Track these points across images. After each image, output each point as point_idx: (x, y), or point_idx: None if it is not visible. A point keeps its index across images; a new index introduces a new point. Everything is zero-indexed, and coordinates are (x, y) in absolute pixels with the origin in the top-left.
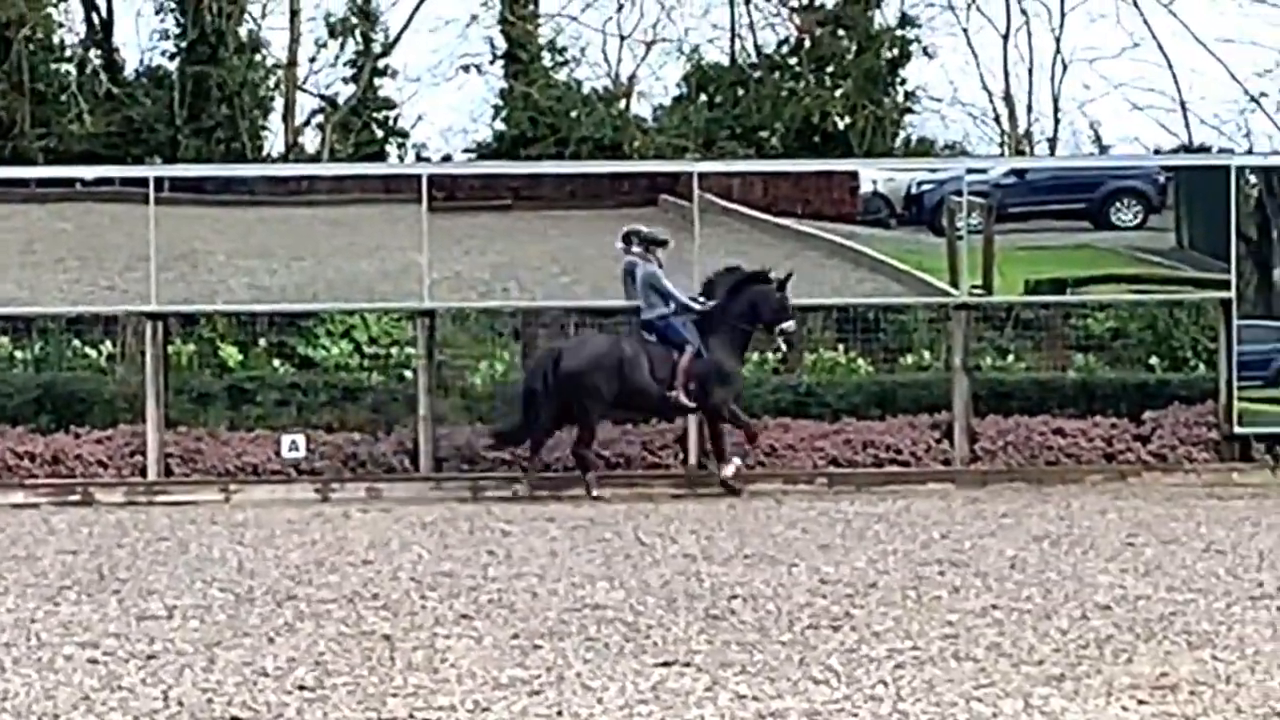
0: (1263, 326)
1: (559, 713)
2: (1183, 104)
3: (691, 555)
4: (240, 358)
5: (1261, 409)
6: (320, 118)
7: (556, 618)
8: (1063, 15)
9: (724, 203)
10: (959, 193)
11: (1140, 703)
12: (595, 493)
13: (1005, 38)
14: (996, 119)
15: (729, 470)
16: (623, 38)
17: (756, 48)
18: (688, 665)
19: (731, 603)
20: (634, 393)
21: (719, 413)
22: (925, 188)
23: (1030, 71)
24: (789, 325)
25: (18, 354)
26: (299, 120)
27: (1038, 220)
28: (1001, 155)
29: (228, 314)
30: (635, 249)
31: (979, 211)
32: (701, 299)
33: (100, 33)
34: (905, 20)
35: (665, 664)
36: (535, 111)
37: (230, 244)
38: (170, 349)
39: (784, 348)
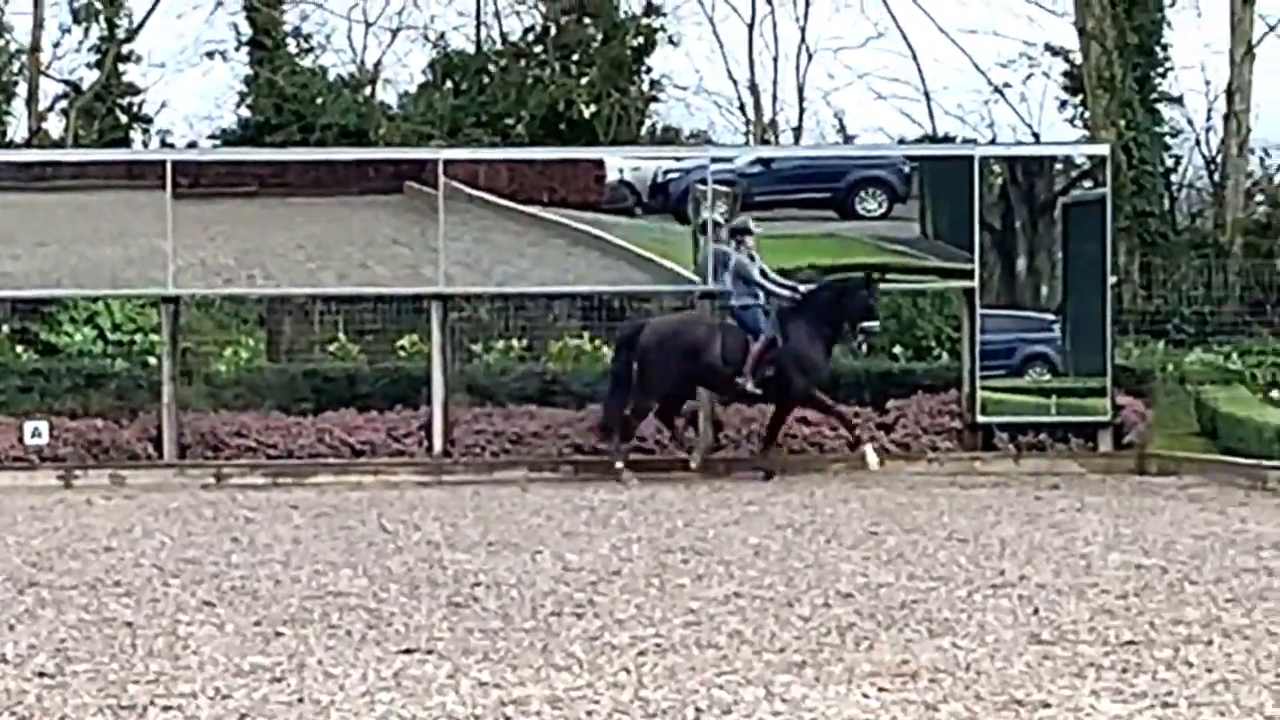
0: (1005, 316)
1: (300, 699)
2: (926, 94)
3: (435, 543)
4: None
5: (1004, 398)
6: (64, 103)
7: (299, 605)
8: (807, 4)
9: (469, 190)
10: (704, 181)
11: (881, 690)
12: (622, 471)
13: (751, 27)
14: (742, 108)
15: (872, 459)
16: (368, 25)
17: (502, 35)
18: (430, 652)
19: (474, 590)
20: (704, 373)
21: (796, 400)
22: (671, 176)
23: (775, 61)
24: (872, 325)
25: None
26: (43, 106)
27: (783, 209)
28: (747, 144)
29: None
30: (724, 238)
31: (724, 200)
32: (797, 290)
33: None
34: (651, 8)
35: (407, 651)
36: (280, 98)
37: None
38: None
39: (865, 346)
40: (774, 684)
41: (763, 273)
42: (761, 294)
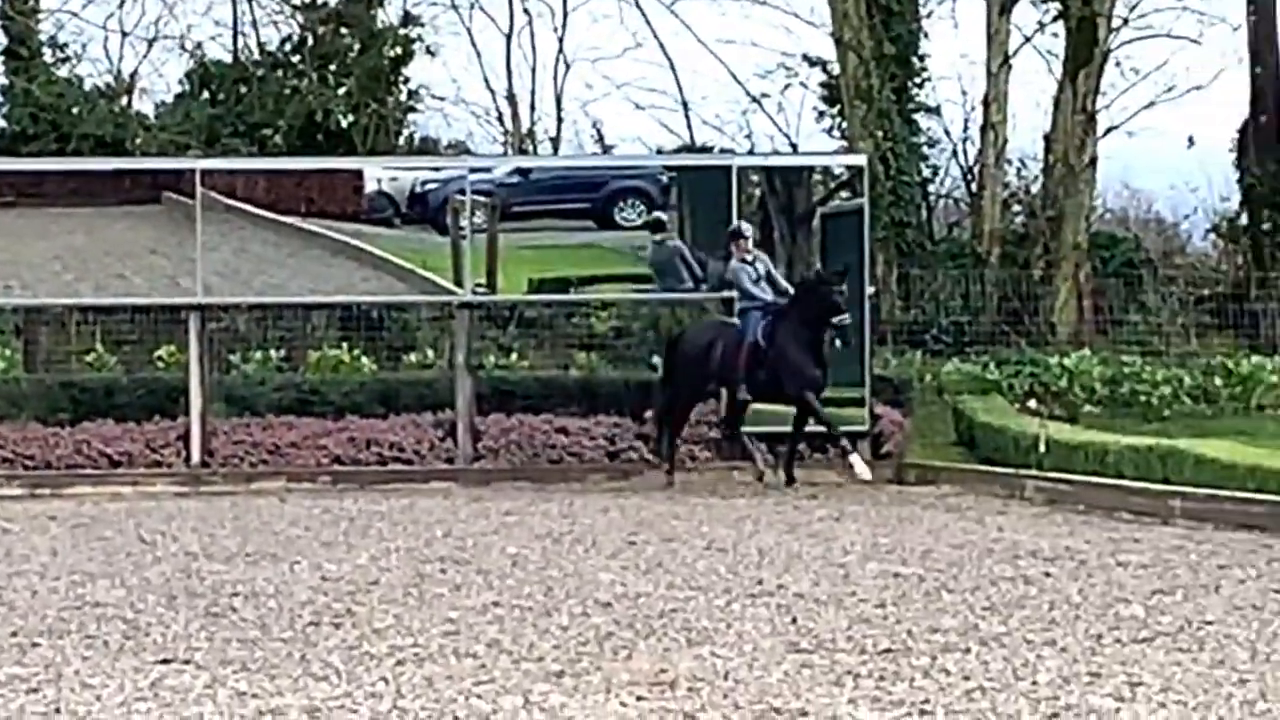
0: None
1: (57, 710)
2: (685, 104)
3: (193, 553)
4: None
5: (762, 408)
6: None
7: (56, 615)
8: (565, 15)
9: (227, 200)
10: (463, 192)
11: (639, 699)
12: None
13: (509, 36)
14: (500, 118)
15: (860, 469)
16: (124, 34)
17: (259, 45)
18: (187, 663)
19: (232, 600)
20: (711, 376)
21: (796, 402)
22: (430, 187)
23: (534, 70)
24: (841, 319)
25: None
26: None
27: (542, 219)
28: (505, 154)
29: None
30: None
31: (483, 211)
32: (788, 293)
33: None
34: (408, 19)
35: (165, 661)
36: (37, 108)
37: None
38: None
39: (840, 342)
40: (532, 693)
41: (768, 275)
42: (763, 298)
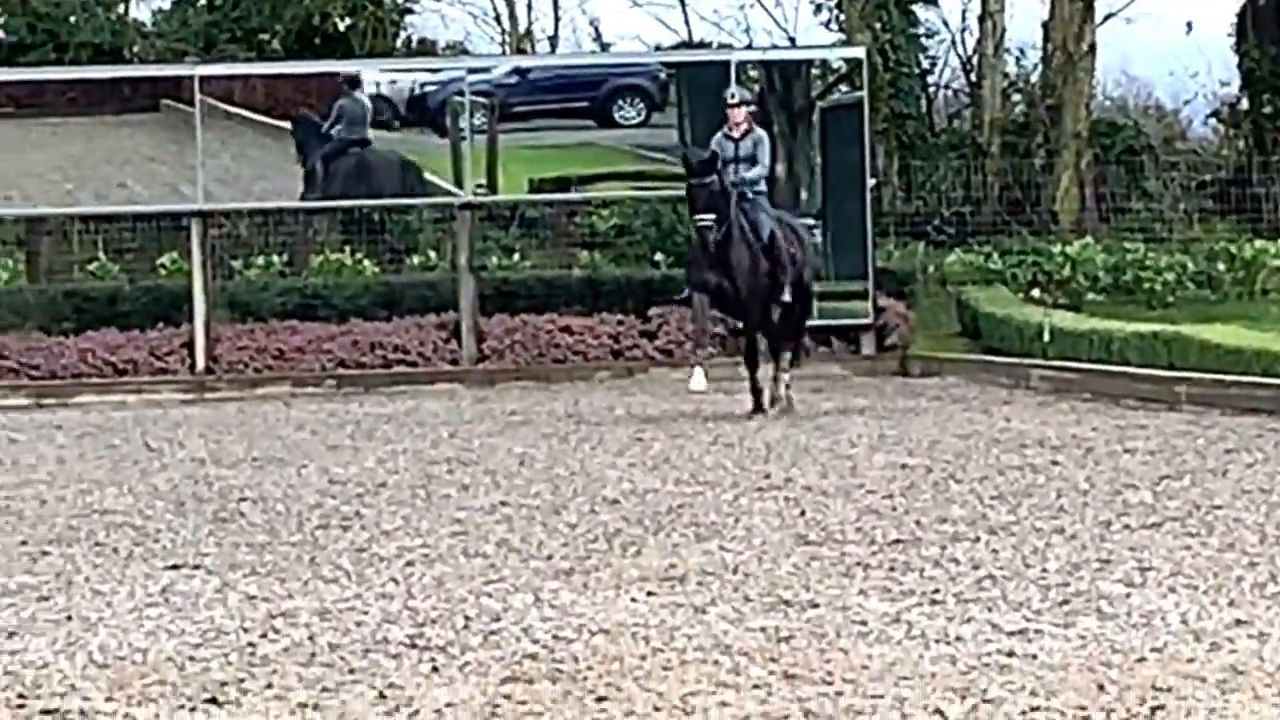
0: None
1: (69, 617)
2: (682, 0)
3: (200, 459)
4: None
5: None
6: None
7: (65, 523)
8: None
9: (226, 106)
10: (461, 93)
11: (649, 594)
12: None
13: None
14: (497, 18)
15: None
16: None
17: None
18: (197, 568)
19: (240, 505)
20: None
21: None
22: (428, 89)
23: None
24: (698, 219)
25: None
26: None
27: (542, 119)
28: (503, 55)
29: None
30: None
31: (482, 111)
32: None
33: None
34: None
35: (174, 567)
36: (33, 17)
37: None
38: None
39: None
40: (542, 591)
41: (752, 157)
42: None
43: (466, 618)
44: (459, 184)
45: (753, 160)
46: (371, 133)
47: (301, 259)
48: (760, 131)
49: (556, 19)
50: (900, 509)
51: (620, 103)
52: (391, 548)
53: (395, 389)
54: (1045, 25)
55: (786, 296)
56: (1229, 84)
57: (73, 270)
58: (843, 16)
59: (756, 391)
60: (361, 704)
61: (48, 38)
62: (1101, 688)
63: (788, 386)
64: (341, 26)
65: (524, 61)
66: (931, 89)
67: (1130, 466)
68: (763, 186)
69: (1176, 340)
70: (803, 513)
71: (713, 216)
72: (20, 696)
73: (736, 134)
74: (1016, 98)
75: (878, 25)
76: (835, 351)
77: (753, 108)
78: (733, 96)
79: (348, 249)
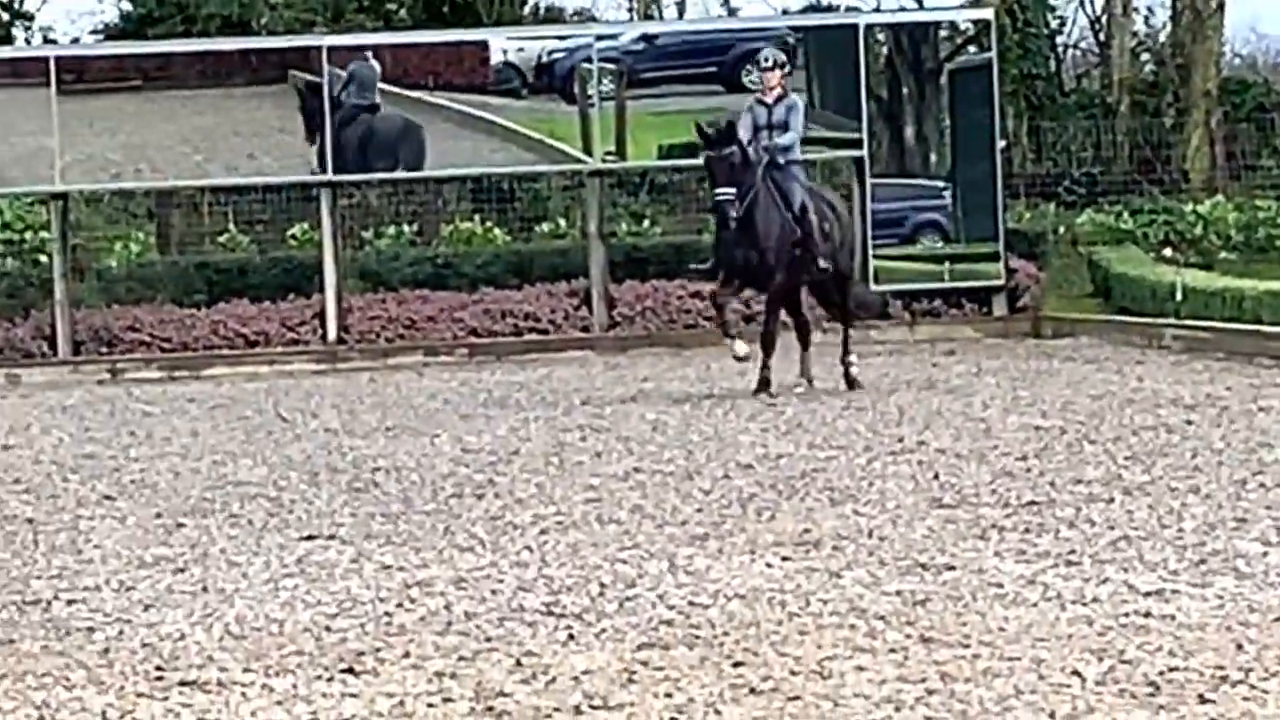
0: (895, 184)
1: (204, 589)
2: None
3: (333, 430)
4: None
5: (896, 266)
6: None
7: (199, 496)
8: None
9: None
10: (589, 60)
11: (784, 559)
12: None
13: None
14: None
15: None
16: None
17: None
18: (332, 538)
19: (374, 475)
20: None
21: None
22: (556, 56)
23: None
24: (718, 194)
25: None
26: None
27: (669, 85)
28: (631, 20)
29: None
30: None
31: (610, 78)
32: None
33: None
34: None
35: (309, 537)
36: None
37: None
38: None
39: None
40: (677, 557)
41: (785, 124)
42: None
43: (602, 585)
44: (588, 151)
45: (785, 126)
46: (494, 100)
47: (431, 228)
48: (794, 97)
49: None
50: (1034, 470)
51: (749, 67)
52: (526, 515)
53: (527, 357)
54: None
55: (824, 264)
56: None
57: (203, 242)
58: None
59: (765, 381)
60: (498, 672)
61: (176, 10)
62: (1240, 647)
63: (848, 370)
64: None
65: (651, 27)
66: (1060, 49)
67: (1265, 425)
68: (796, 154)
69: None
70: (936, 476)
71: (732, 191)
72: (158, 668)
73: (770, 99)
74: (1145, 56)
75: None
76: (967, 314)
77: (787, 70)
78: (766, 59)
79: (477, 218)
